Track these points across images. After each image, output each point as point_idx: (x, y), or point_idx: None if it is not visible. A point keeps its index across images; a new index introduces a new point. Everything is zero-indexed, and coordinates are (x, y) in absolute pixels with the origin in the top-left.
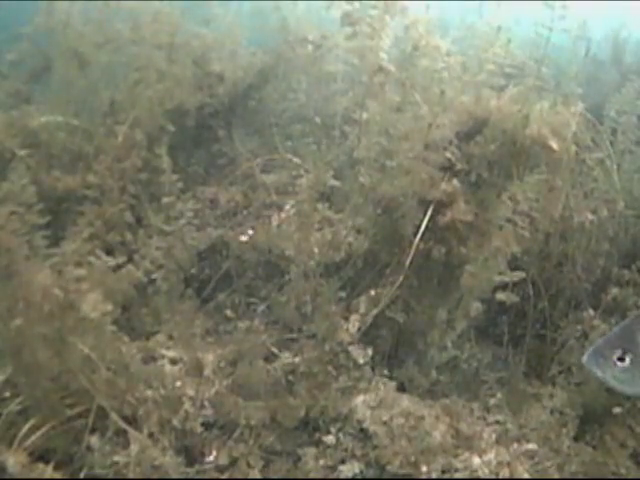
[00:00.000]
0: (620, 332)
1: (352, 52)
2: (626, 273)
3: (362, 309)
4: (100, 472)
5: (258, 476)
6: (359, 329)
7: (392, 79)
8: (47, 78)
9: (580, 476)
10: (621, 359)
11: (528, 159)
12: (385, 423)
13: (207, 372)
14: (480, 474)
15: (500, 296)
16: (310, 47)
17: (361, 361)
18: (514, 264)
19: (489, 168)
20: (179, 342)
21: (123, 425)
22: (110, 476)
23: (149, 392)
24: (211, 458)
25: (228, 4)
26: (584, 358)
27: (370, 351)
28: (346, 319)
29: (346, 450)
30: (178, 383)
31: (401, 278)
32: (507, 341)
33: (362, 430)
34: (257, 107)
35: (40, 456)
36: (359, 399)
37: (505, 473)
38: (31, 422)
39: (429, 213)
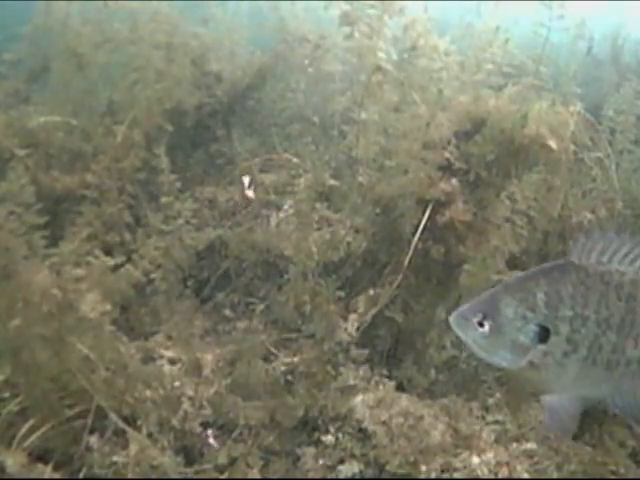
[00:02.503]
0: (485, 297)
1: (350, 52)
2: None
3: (361, 309)
4: (99, 472)
5: (257, 476)
6: (358, 329)
7: (390, 79)
8: (46, 78)
9: (579, 475)
10: (481, 324)
11: (527, 159)
12: (384, 423)
13: (206, 372)
14: (479, 473)
15: None
16: (308, 47)
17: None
18: (513, 263)
19: (487, 168)
20: (178, 342)
21: (122, 425)
22: (109, 476)
23: (148, 392)
24: (211, 441)
25: (226, 4)
26: (450, 318)
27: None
28: (345, 319)
29: (345, 450)
30: (177, 383)
31: (400, 278)
32: None
33: (361, 430)
34: (256, 107)
35: (39, 456)
36: (358, 399)
37: (504, 472)
38: (30, 422)
39: (428, 213)
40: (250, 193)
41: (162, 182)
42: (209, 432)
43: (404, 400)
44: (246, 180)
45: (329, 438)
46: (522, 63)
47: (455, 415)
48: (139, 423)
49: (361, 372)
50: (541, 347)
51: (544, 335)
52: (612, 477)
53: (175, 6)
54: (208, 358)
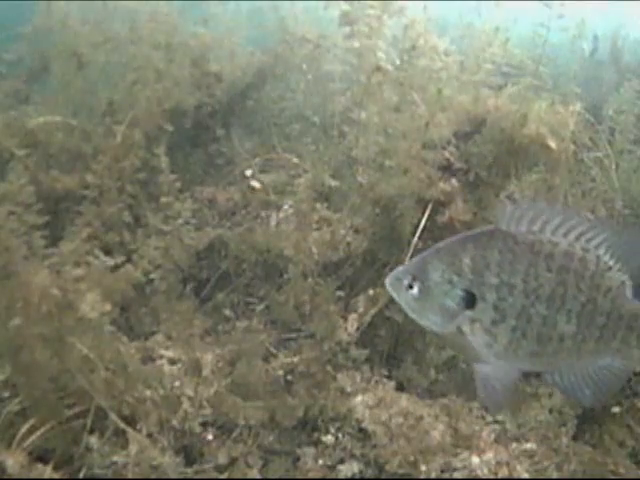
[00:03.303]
0: (417, 259)
1: (350, 52)
2: None
3: (361, 309)
4: (99, 472)
5: (257, 476)
6: (358, 329)
7: (390, 79)
8: (45, 78)
9: (579, 475)
10: (411, 286)
11: (526, 158)
12: (384, 423)
13: (206, 372)
14: (479, 473)
15: None
16: (308, 47)
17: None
18: None
19: (487, 167)
20: (178, 342)
21: (122, 425)
22: (109, 476)
23: (148, 392)
24: (210, 436)
25: (226, 4)
26: (386, 280)
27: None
28: (345, 319)
29: (345, 450)
30: (177, 383)
31: None
32: None
33: (361, 430)
34: (255, 107)
35: (39, 456)
36: (358, 399)
37: (504, 472)
38: (30, 422)
39: (427, 212)
40: (256, 183)
41: (162, 182)
42: (208, 430)
43: (404, 400)
44: (249, 172)
45: (329, 438)
46: (522, 63)
47: (455, 415)
48: (139, 423)
49: (358, 379)
50: (468, 313)
51: (470, 301)
52: (612, 477)
53: (175, 6)
54: (208, 358)
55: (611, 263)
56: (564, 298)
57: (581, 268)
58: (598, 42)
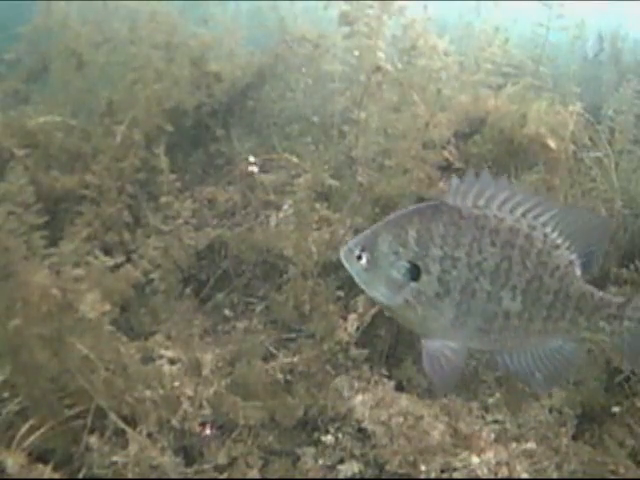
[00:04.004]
0: (368, 231)
1: (350, 52)
2: (624, 272)
3: (360, 308)
4: (99, 472)
5: (257, 476)
6: (358, 329)
7: (390, 78)
8: (45, 78)
9: (579, 475)
10: (360, 257)
11: (526, 158)
12: (384, 423)
13: (206, 372)
14: (479, 473)
15: None
16: (308, 47)
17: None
18: None
19: (487, 167)
20: (177, 342)
21: (122, 425)
22: (109, 476)
23: (148, 392)
24: (207, 432)
25: (226, 4)
26: (340, 251)
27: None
28: (344, 319)
29: (345, 450)
30: (177, 383)
31: None
32: None
33: (361, 430)
34: (255, 107)
35: (39, 456)
36: (358, 399)
37: (504, 472)
38: (30, 422)
39: None
40: (254, 169)
41: (161, 182)
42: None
43: (404, 400)
44: (252, 159)
45: (329, 438)
46: (521, 63)
47: (455, 415)
48: (139, 423)
49: (356, 384)
50: (414, 285)
51: (415, 273)
52: (612, 477)
53: (174, 6)
54: (208, 358)
55: (559, 242)
56: (509, 274)
57: (527, 245)
58: (603, 42)
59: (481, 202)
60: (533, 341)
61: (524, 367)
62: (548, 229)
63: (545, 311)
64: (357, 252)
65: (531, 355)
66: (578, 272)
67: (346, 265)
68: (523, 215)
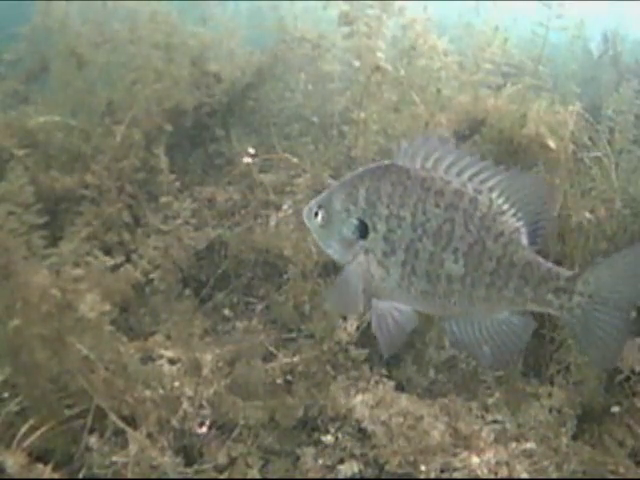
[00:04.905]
0: (325, 191)
1: (350, 51)
2: None
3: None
4: (99, 472)
5: (257, 476)
6: (357, 328)
7: (390, 78)
8: (45, 78)
9: (579, 475)
10: (317, 214)
11: (526, 158)
12: (384, 423)
13: (205, 372)
14: (479, 473)
15: None
16: (308, 46)
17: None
18: None
19: None
20: (177, 342)
21: (122, 425)
22: (109, 476)
23: (147, 392)
24: (204, 429)
25: (225, 4)
26: (303, 210)
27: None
28: (344, 319)
29: (345, 450)
30: (176, 383)
31: None
32: None
33: (361, 430)
34: (255, 107)
35: (39, 456)
36: (358, 399)
37: (504, 472)
38: (30, 422)
39: None
40: (249, 160)
41: (161, 182)
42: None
43: (404, 400)
44: (252, 150)
45: (329, 438)
46: (521, 63)
47: (455, 415)
48: (139, 423)
49: (356, 385)
50: (362, 242)
51: (364, 230)
52: (612, 477)
53: (174, 6)
54: (207, 358)
55: (505, 207)
56: (451, 236)
57: (471, 208)
58: (608, 43)
59: (429, 164)
60: (478, 309)
61: (471, 337)
62: (494, 194)
63: (488, 277)
64: (314, 210)
65: (478, 325)
66: (524, 240)
67: (306, 223)
68: (470, 179)
